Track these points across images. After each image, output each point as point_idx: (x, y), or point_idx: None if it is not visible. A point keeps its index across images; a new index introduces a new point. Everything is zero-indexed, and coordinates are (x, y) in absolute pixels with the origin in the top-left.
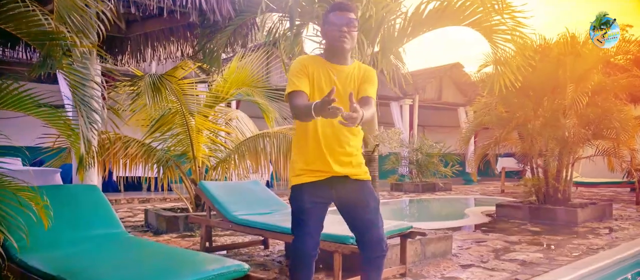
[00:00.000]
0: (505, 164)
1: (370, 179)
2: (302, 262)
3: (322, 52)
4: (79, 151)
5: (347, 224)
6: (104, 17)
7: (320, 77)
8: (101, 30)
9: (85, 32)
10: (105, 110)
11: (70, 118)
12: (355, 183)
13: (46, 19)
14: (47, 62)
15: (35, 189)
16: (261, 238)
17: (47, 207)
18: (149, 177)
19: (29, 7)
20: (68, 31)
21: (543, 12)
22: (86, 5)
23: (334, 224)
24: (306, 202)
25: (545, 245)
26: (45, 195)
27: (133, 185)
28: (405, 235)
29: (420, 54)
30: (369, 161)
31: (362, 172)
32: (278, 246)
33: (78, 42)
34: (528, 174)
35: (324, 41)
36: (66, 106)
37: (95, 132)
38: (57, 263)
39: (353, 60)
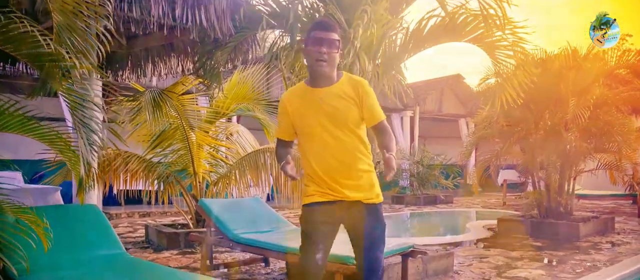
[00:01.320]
0: (507, 176)
1: (382, 201)
2: None
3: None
4: (79, 174)
5: (351, 244)
6: (104, 38)
7: (306, 108)
8: (101, 51)
9: (85, 53)
10: (104, 127)
11: (67, 136)
12: (367, 207)
13: (45, 40)
14: (47, 83)
15: (34, 210)
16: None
17: (47, 229)
18: (150, 191)
19: (28, 28)
20: (67, 52)
21: (535, 23)
22: (86, 26)
23: (337, 244)
24: (317, 222)
25: (547, 262)
26: (45, 217)
27: (134, 199)
28: (406, 254)
29: (421, 64)
30: None
31: (374, 196)
32: (279, 264)
33: (77, 64)
34: (529, 188)
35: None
36: (66, 121)
37: (96, 154)
38: None
39: (340, 73)
